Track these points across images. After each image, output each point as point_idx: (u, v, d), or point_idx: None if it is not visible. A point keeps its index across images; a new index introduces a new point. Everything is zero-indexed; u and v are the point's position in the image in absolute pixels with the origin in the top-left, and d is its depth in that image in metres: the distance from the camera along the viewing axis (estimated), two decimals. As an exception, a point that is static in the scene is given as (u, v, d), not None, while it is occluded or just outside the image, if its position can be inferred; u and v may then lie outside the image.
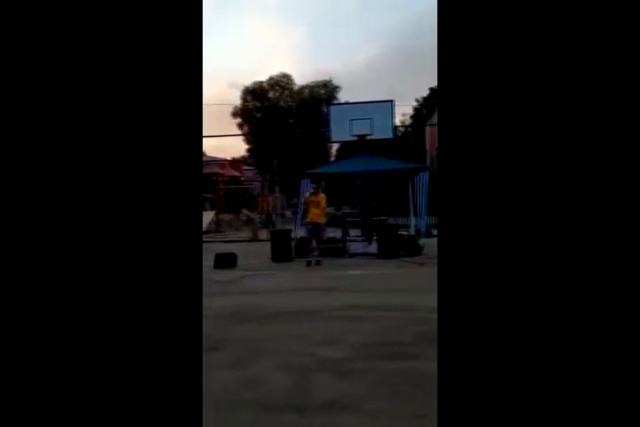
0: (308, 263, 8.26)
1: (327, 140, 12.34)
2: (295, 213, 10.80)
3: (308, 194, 8.93)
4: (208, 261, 7.70)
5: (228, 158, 37.17)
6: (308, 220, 8.63)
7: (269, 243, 9.67)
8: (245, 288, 6.22)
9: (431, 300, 5.32)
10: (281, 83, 37.22)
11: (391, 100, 11.04)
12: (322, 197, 8.61)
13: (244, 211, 17.90)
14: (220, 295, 5.45)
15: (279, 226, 15.32)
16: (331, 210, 14.63)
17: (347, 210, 15.18)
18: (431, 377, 2.80)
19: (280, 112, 35.19)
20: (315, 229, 8.50)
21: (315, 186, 9.00)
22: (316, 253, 8.46)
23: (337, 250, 9.55)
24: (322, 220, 8.61)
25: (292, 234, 9.86)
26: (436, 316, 4.43)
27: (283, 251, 9.17)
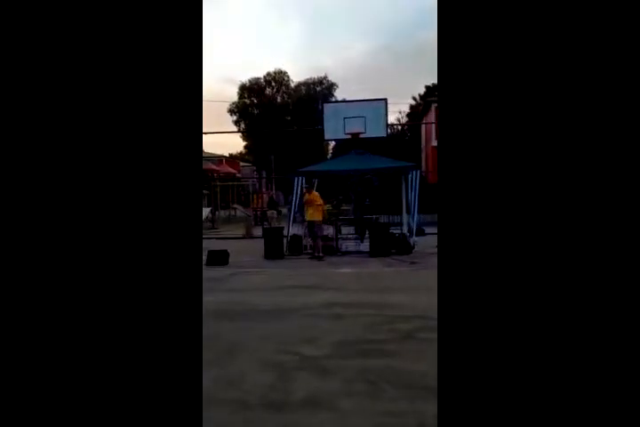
0: (316, 257, 8.79)
1: (323, 137, 12.34)
2: (290, 211, 10.83)
3: (305, 193, 9.26)
4: (199, 258, 7.73)
5: (226, 155, 37.17)
6: (306, 218, 9.07)
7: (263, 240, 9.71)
8: (234, 285, 6.26)
9: (417, 298, 5.36)
10: (277, 79, 37.15)
11: (384, 99, 11.06)
12: (315, 194, 9.00)
13: (239, 208, 17.88)
14: (209, 292, 5.48)
15: (275, 223, 15.32)
16: (328, 207, 14.74)
17: (346, 207, 15.17)
18: (404, 374, 2.87)
19: (277, 109, 35.14)
20: (310, 227, 8.93)
21: (307, 185, 9.31)
22: (310, 251, 9.10)
23: (329, 248, 9.59)
24: (316, 217, 8.95)
25: (285, 231, 9.90)
26: (419, 313, 4.43)
27: (275, 248, 9.21)
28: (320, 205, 9.02)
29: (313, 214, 8.93)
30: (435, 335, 3.96)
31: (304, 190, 9.26)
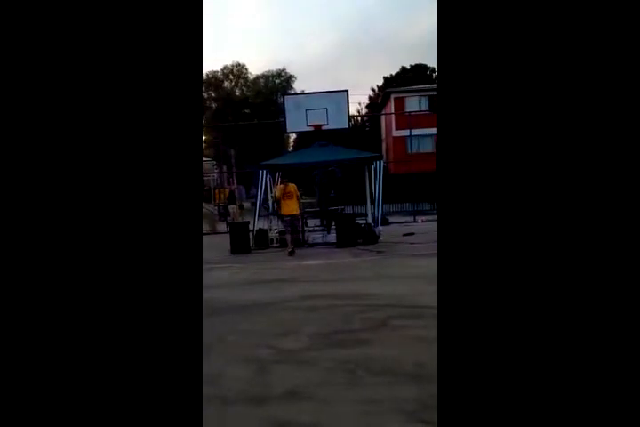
0: (291, 253, 8.55)
1: (284, 130, 12.25)
2: (254, 205, 10.78)
3: (280, 187, 9.02)
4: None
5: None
6: (284, 212, 8.82)
7: (228, 235, 9.63)
8: (205, 282, 6.15)
9: (386, 287, 5.43)
10: (235, 72, 36.60)
11: (346, 90, 11.08)
12: (292, 186, 8.83)
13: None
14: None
15: (239, 218, 15.21)
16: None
17: (307, 200, 15.21)
18: (381, 361, 2.93)
19: (236, 102, 34.66)
20: (292, 220, 8.78)
21: (286, 179, 9.14)
22: (277, 244, 9.16)
23: (296, 240, 9.63)
24: (297, 211, 8.87)
25: (251, 226, 9.85)
26: (390, 302, 4.50)
27: (241, 243, 9.17)
28: (298, 197, 8.91)
29: (293, 208, 8.76)
30: (410, 322, 4.06)
31: (283, 183, 9.02)
